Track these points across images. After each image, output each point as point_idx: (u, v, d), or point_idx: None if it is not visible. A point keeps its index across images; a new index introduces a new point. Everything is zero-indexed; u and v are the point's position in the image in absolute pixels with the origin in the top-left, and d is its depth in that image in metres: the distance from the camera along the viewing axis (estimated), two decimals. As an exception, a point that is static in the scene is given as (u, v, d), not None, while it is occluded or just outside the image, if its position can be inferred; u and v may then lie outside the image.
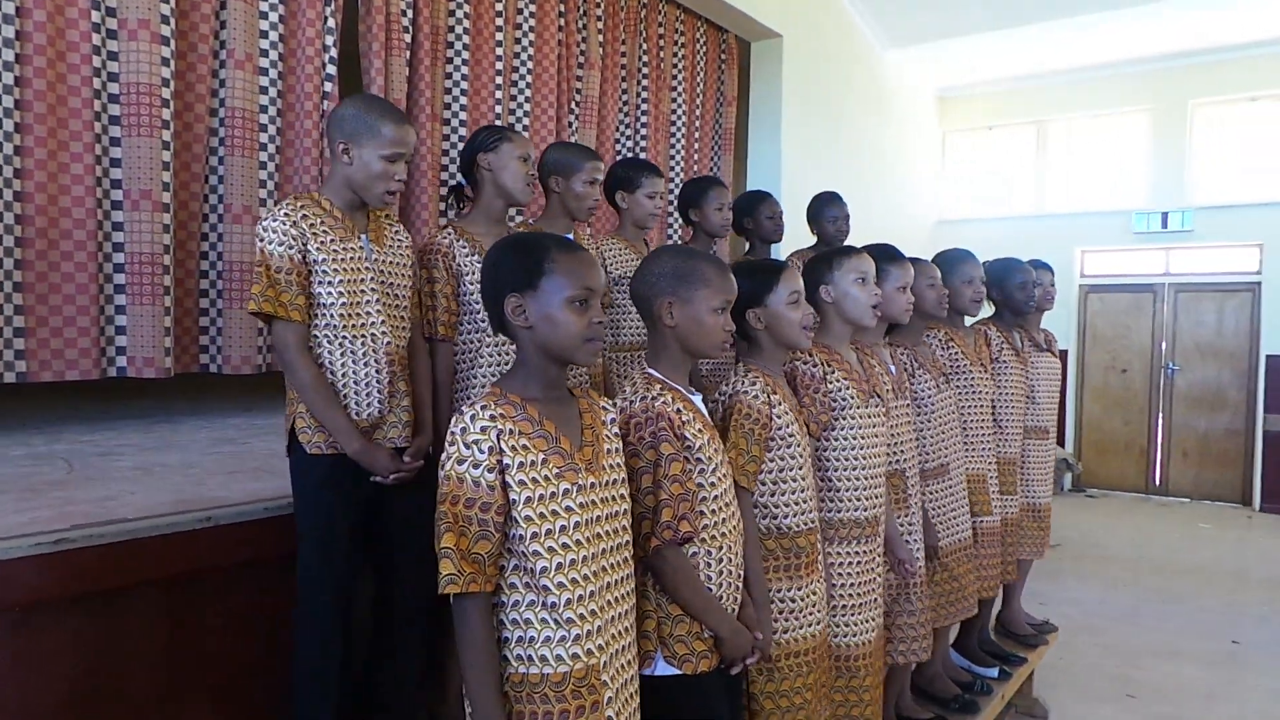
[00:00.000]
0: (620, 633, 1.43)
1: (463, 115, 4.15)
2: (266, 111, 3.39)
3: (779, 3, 5.89)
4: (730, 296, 1.70)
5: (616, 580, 1.44)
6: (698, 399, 1.70)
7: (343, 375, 1.99)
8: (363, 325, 2.01)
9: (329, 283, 1.97)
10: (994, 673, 3.07)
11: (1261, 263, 7.33)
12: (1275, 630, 4.47)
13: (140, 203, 2.99)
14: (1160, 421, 7.81)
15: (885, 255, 2.41)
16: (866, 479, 2.12)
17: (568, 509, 1.37)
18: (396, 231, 2.19)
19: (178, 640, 1.92)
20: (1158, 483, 7.83)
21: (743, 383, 1.85)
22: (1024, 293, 3.28)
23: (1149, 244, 7.77)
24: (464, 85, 4.15)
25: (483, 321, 2.28)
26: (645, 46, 5.23)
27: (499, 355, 2.30)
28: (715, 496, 1.65)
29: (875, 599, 2.15)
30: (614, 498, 1.46)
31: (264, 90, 3.38)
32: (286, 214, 1.95)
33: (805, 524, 1.91)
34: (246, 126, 3.31)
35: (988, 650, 3.19)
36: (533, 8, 4.43)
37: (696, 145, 5.66)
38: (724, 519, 1.67)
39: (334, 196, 2.04)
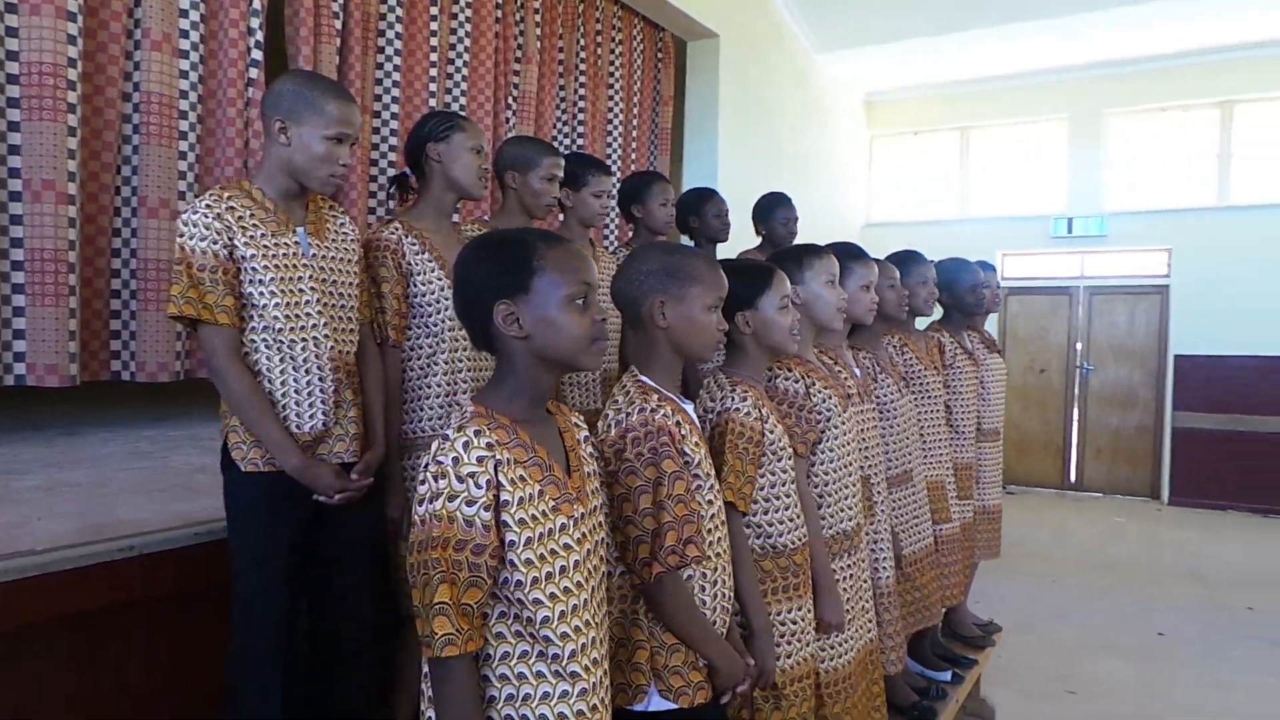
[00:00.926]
0: (604, 675, 1.29)
1: (394, 108, 3.96)
2: (187, 97, 3.15)
3: (715, 3, 5.85)
4: (723, 294, 1.59)
5: (604, 619, 1.30)
6: (690, 408, 1.58)
7: (281, 384, 1.80)
8: (303, 329, 1.82)
9: (260, 281, 1.77)
10: (947, 676, 3.06)
11: (1170, 266, 7.65)
12: (1195, 621, 4.63)
13: (42, 194, 2.72)
14: (1076, 420, 8.07)
15: (849, 254, 2.35)
16: (849, 488, 2.05)
17: (566, 547, 1.22)
18: (341, 224, 1.99)
19: (95, 684, 1.72)
20: (1073, 479, 8.09)
21: (733, 399, 1.74)
22: (974, 295, 3.29)
23: (1066, 248, 8.03)
24: (396, 77, 3.96)
25: (435, 325, 2.12)
26: (582, 42, 5.11)
27: (455, 363, 2.14)
28: (711, 515, 1.55)
29: (864, 607, 2.09)
30: (596, 526, 1.32)
31: (184, 74, 3.13)
32: (209, 205, 1.75)
33: (799, 540, 1.83)
34: (164, 113, 3.06)
35: (939, 654, 3.19)
36: (468, -1, 4.26)
37: (634, 144, 5.57)
38: (718, 539, 1.57)
39: (267, 184, 1.84)
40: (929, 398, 2.88)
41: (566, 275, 1.25)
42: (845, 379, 2.24)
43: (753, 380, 1.83)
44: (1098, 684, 3.80)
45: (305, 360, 1.82)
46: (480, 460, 1.16)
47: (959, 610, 3.56)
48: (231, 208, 1.77)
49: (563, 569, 1.21)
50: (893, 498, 2.55)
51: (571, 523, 1.24)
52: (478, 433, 1.19)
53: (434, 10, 4.08)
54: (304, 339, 1.82)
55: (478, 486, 1.15)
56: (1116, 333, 7.92)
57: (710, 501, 1.55)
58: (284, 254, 1.81)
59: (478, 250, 1.29)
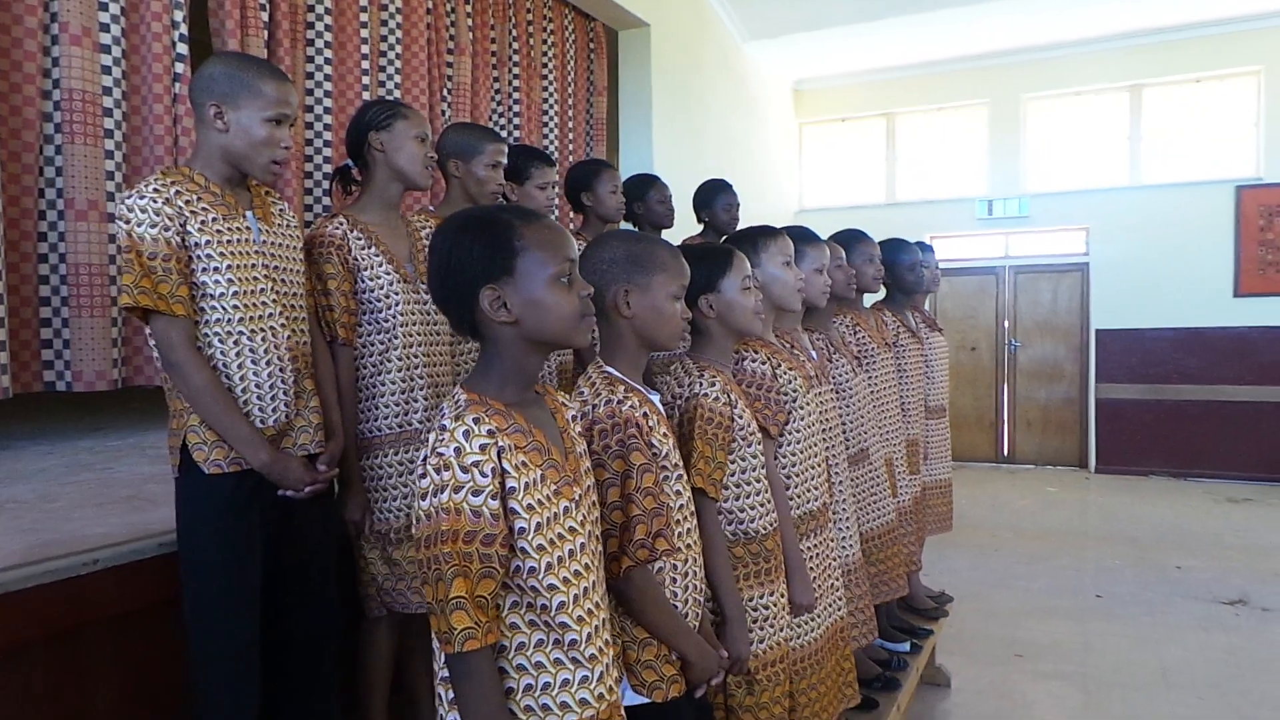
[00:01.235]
0: (614, 658, 1.29)
1: (327, 102, 3.86)
2: (111, 94, 3.01)
3: (644, -8, 5.86)
4: (685, 281, 1.58)
5: (608, 605, 1.29)
6: (656, 399, 1.57)
7: (241, 378, 1.73)
8: (258, 318, 1.76)
9: (215, 269, 1.69)
10: (906, 647, 3.14)
11: (1088, 245, 7.96)
12: (1128, 581, 4.84)
13: (-39, 198, 2.59)
14: (1006, 395, 8.35)
15: (801, 237, 2.38)
16: (815, 468, 2.08)
17: (571, 530, 1.20)
18: (281, 210, 1.92)
19: (58, 706, 1.64)
20: (1006, 452, 8.37)
21: (701, 384, 1.73)
22: (914, 274, 3.37)
23: (991, 229, 8.28)
24: (328, 70, 3.87)
25: (386, 322, 2.06)
26: (515, 33, 5.07)
27: (410, 359, 2.09)
28: (680, 506, 1.54)
29: (833, 585, 2.12)
30: (592, 507, 1.30)
31: (107, 70, 3.00)
32: (157, 190, 1.66)
33: (770, 525, 1.84)
34: (88, 110, 2.93)
35: (897, 627, 3.27)
36: (400, -12, 4.18)
37: (570, 134, 5.55)
38: (688, 529, 1.56)
39: (207, 170, 1.76)
40: (882, 375, 2.95)
41: (550, 253, 1.22)
42: (804, 361, 2.27)
43: (720, 365, 1.83)
44: (1042, 646, 3.95)
45: (264, 352, 1.76)
46: (483, 448, 1.13)
47: (913, 583, 3.65)
48: (179, 192, 1.69)
49: (571, 553, 1.20)
50: (852, 476, 2.60)
51: (574, 505, 1.22)
52: (477, 420, 1.16)
53: (363, 1, 3.99)
54: (261, 329, 1.76)
55: (483, 475, 1.12)
56: (1041, 310, 8.21)
57: (679, 493, 1.54)
58: (237, 240, 1.75)
59: (454, 234, 1.23)
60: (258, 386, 1.75)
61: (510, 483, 1.15)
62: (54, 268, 2.91)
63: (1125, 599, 4.57)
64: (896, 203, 8.71)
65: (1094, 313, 7.91)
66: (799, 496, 2.04)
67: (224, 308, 1.71)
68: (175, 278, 1.66)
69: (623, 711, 1.24)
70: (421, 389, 2.10)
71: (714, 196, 3.66)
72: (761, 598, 1.82)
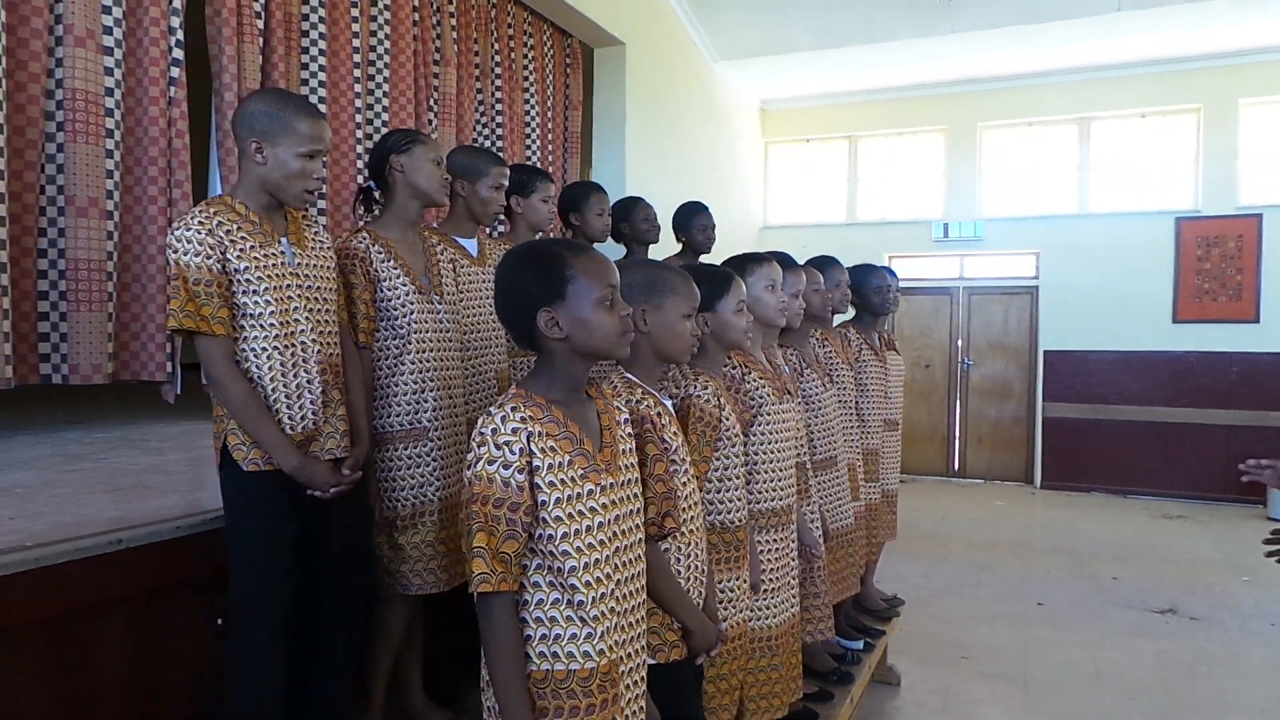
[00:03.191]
0: (634, 624, 1.47)
1: (322, 108, 3.97)
2: (113, 95, 3.10)
3: (621, 11, 6.04)
4: (695, 304, 1.78)
5: (632, 576, 1.48)
6: (669, 403, 1.77)
7: (273, 389, 1.89)
8: (292, 334, 1.93)
9: (254, 292, 1.87)
10: (860, 645, 3.33)
11: (1038, 268, 8.31)
12: (1068, 591, 5.12)
13: (-31, 192, 2.66)
14: (958, 411, 8.67)
15: (783, 263, 2.57)
16: (781, 470, 2.26)
17: (591, 509, 1.40)
18: (316, 232, 2.09)
19: (74, 683, 1.74)
20: (956, 467, 8.68)
21: (694, 386, 1.93)
22: (880, 296, 3.58)
23: (946, 251, 8.60)
24: (321, 77, 3.97)
25: (401, 328, 2.23)
26: (497, 46, 5.21)
27: (423, 362, 2.26)
28: (685, 495, 1.73)
29: (790, 581, 2.31)
30: (630, 496, 1.49)
31: (109, 72, 3.09)
32: (201, 222, 1.84)
33: (742, 519, 2.04)
34: (90, 110, 3.01)
35: (852, 625, 3.46)
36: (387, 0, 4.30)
37: (550, 147, 5.70)
38: (692, 516, 1.75)
39: (248, 200, 1.94)
40: (846, 390, 3.15)
41: (595, 280, 1.43)
42: (776, 375, 2.46)
43: (712, 372, 2.03)
44: (987, 649, 4.18)
45: (296, 365, 1.92)
46: (514, 431, 1.35)
47: (867, 585, 3.85)
48: (220, 222, 1.85)
49: (589, 528, 1.39)
50: (819, 481, 2.79)
51: (599, 489, 1.42)
52: (514, 409, 1.38)
53: (355, 12, 4.11)
54: (292, 345, 1.92)
55: (512, 453, 1.34)
56: (993, 330, 8.55)
57: (685, 484, 1.73)
58: (272, 264, 1.91)
59: (516, 264, 1.45)
60: (288, 397, 1.91)
61: (536, 462, 1.36)
62: (53, 263, 2.98)
63: (1065, 607, 4.83)
64: (857, 222, 9.00)
65: (1043, 333, 8.26)
66: (764, 492, 2.23)
67: (260, 326, 1.88)
68: (216, 301, 1.83)
69: (620, 670, 1.42)
70: (432, 390, 2.27)
71: (691, 218, 3.84)
72: (729, 581, 2.02)
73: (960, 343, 8.65)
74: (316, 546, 1.97)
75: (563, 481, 1.38)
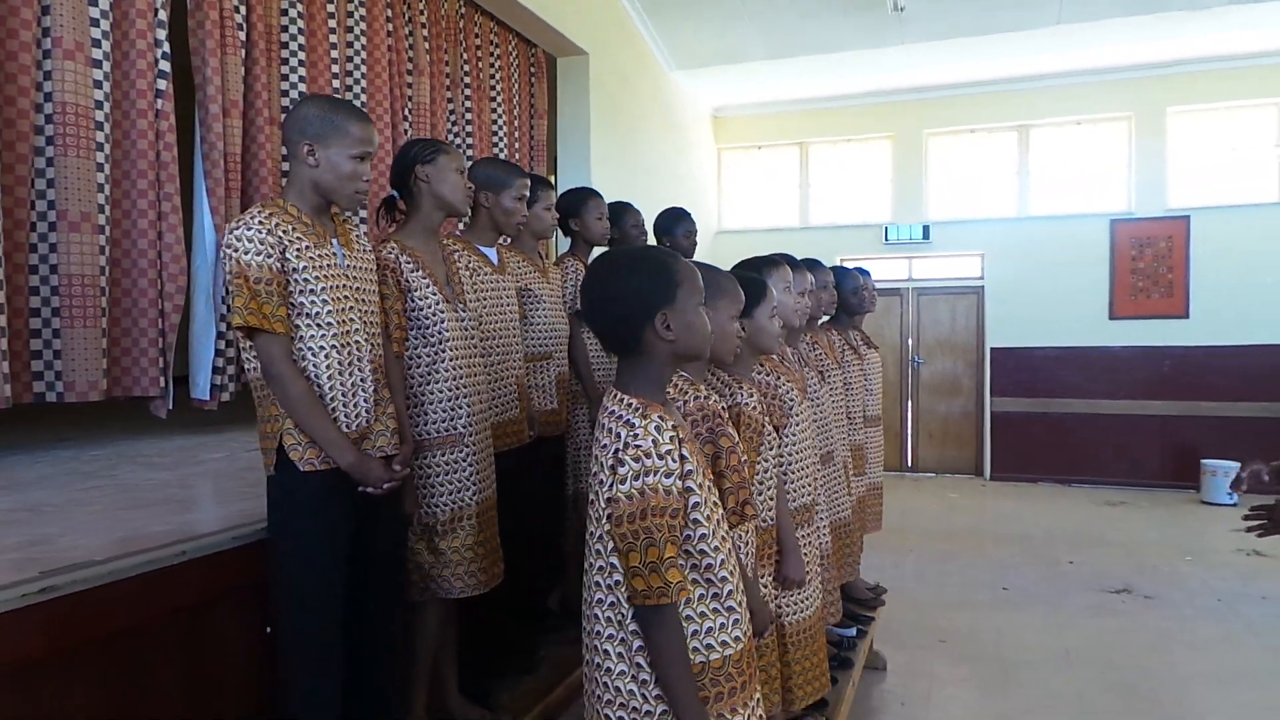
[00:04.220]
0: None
1: (300, 119, 3.96)
2: (102, 108, 3.07)
3: (583, 21, 6.12)
4: (741, 305, 1.86)
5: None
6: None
7: (330, 387, 1.92)
8: (346, 334, 1.96)
9: (312, 291, 1.90)
10: (854, 632, 3.47)
11: (983, 269, 8.64)
12: (1028, 576, 5.36)
13: (-36, 208, 2.61)
14: (910, 408, 8.94)
15: (789, 264, 2.67)
16: (808, 468, 2.37)
17: (713, 504, 1.48)
18: (358, 235, 2.12)
19: (126, 698, 1.75)
20: (910, 462, 8.95)
21: (740, 394, 2.00)
22: (857, 296, 3.74)
23: (894, 253, 8.88)
24: (301, 88, 3.97)
25: (433, 337, 2.27)
26: (465, 56, 5.25)
27: (456, 370, 2.30)
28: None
29: (818, 574, 2.41)
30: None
31: (98, 85, 3.06)
32: (261, 222, 1.87)
33: (772, 518, 2.13)
34: (80, 123, 2.98)
35: (845, 614, 3.59)
36: (362, 10, 4.32)
37: (517, 155, 5.75)
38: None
39: (299, 202, 1.97)
40: (836, 388, 3.28)
41: (696, 285, 1.51)
42: (797, 375, 2.57)
43: (749, 378, 2.11)
44: (962, 633, 4.37)
45: (350, 364, 1.95)
46: (671, 439, 1.39)
47: (854, 576, 4.00)
48: (278, 223, 1.88)
49: (718, 522, 1.47)
50: (822, 474, 2.91)
51: (709, 485, 1.49)
52: (661, 418, 1.41)
53: (332, 24, 4.11)
54: (347, 344, 1.95)
55: (673, 461, 1.38)
56: (941, 329, 8.85)
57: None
58: (327, 265, 1.94)
59: (623, 269, 1.50)
60: (344, 394, 1.94)
61: (688, 467, 1.41)
62: (44, 279, 2.94)
63: (1027, 591, 5.06)
64: (809, 226, 9.22)
65: (989, 332, 8.58)
66: (794, 490, 2.32)
67: (318, 325, 1.91)
68: (276, 299, 1.85)
69: (753, 649, 1.51)
70: (466, 397, 2.31)
71: (674, 224, 3.93)
72: (761, 577, 2.10)
73: (910, 341, 8.93)
74: (363, 546, 1.99)
75: (700, 484, 1.44)
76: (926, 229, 8.68)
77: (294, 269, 1.88)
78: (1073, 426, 8.29)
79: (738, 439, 1.78)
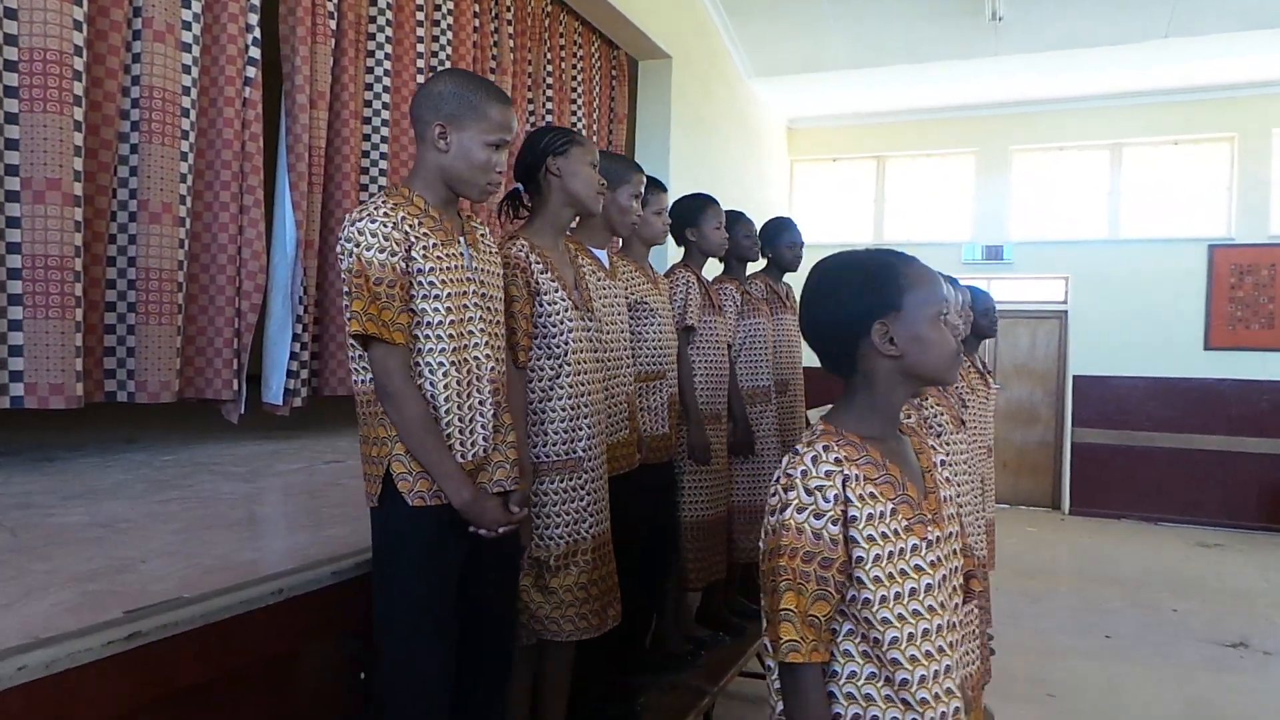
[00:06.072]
0: (960, 710, 1.23)
1: (385, 114, 3.81)
2: (189, 94, 2.91)
3: (666, 23, 5.91)
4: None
5: (964, 652, 1.28)
6: None
7: (446, 409, 1.65)
8: (467, 348, 1.69)
9: (435, 297, 1.63)
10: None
11: (1068, 293, 8.23)
12: (1131, 622, 4.97)
13: (46, 194, 2.45)
14: (985, 436, 8.53)
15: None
16: (965, 506, 2.09)
17: (917, 568, 1.19)
18: (483, 234, 1.85)
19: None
20: (982, 492, 8.54)
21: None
22: (988, 318, 3.38)
23: (975, 274, 8.48)
24: (386, 81, 3.81)
25: (557, 348, 2.01)
26: (549, 56, 5.06)
27: (578, 386, 2.04)
28: None
29: (971, 623, 2.13)
30: (953, 553, 1.28)
31: (186, 69, 2.90)
32: (386, 213, 1.60)
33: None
34: (167, 109, 2.82)
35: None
36: (450, 5, 4.14)
37: (596, 161, 5.54)
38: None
39: (426, 192, 1.70)
40: (975, 417, 2.99)
41: (930, 292, 1.25)
42: (952, 403, 2.30)
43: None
44: (1071, 687, 4.02)
45: (470, 383, 1.69)
46: (828, 474, 1.17)
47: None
48: (404, 216, 1.63)
49: (913, 591, 1.18)
50: (979, 515, 2.63)
51: (925, 545, 1.21)
52: (825, 448, 1.20)
53: (419, 16, 3.94)
54: (467, 359, 1.69)
55: (825, 500, 1.16)
56: (1020, 354, 8.44)
57: None
58: (453, 267, 1.69)
59: (839, 275, 1.28)
60: (460, 420, 1.67)
61: (853, 512, 1.17)
62: (121, 272, 2.78)
63: (1134, 640, 4.68)
64: (884, 243, 8.88)
65: (1072, 358, 8.16)
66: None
67: (437, 336, 1.65)
68: (397, 304, 1.60)
69: None
70: (587, 417, 2.05)
71: (779, 234, 3.66)
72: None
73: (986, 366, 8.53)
74: (472, 584, 1.74)
75: (884, 535, 1.18)
76: (1007, 249, 8.30)
77: (419, 269, 1.63)
78: (1161, 461, 7.83)
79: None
